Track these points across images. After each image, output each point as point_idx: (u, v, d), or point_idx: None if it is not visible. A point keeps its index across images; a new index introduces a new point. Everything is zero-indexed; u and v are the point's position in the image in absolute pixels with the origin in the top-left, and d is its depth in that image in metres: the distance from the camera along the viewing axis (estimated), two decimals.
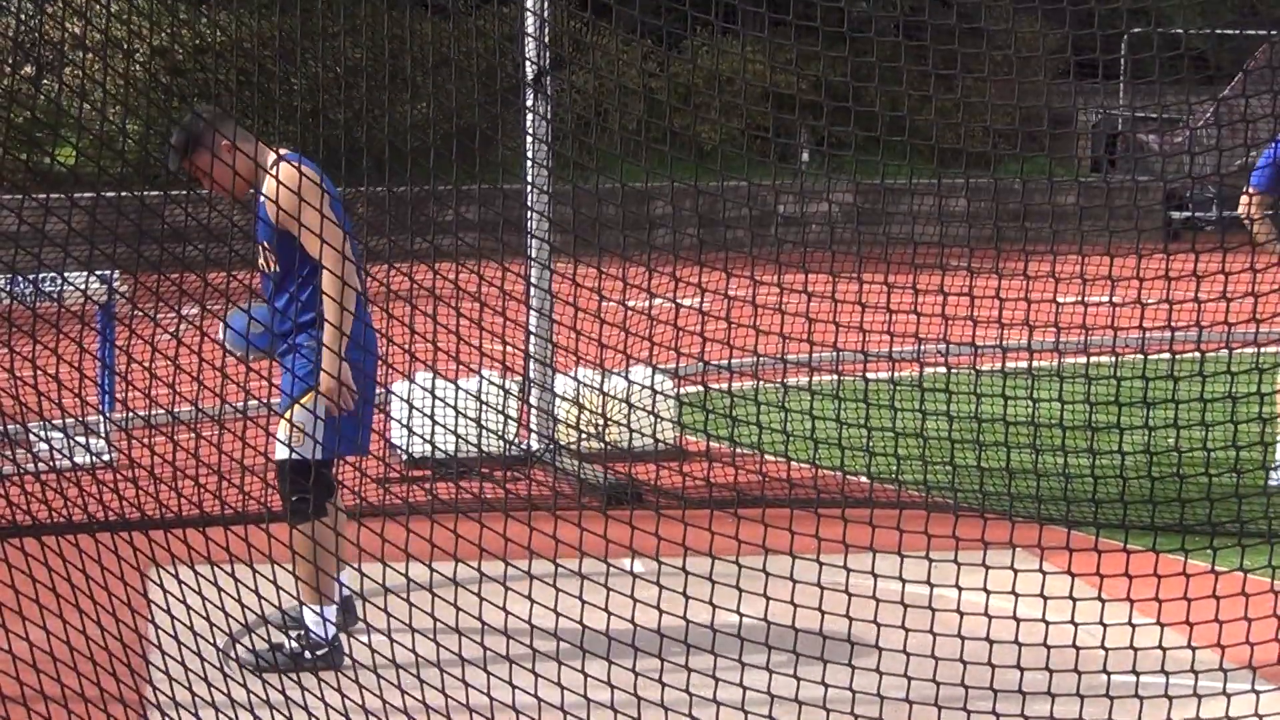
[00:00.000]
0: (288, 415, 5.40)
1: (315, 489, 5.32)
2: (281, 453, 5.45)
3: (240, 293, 5.89)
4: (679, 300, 5.27)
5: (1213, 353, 5.30)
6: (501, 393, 6.47)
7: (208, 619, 4.82)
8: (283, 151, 5.47)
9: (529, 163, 6.91)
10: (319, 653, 5.46)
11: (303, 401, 5.37)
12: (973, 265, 5.21)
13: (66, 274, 5.89)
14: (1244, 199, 8.00)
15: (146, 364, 5.38)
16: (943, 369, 5.35)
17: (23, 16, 6.39)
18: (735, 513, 4.64)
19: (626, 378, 6.52)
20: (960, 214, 5.62)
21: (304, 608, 5.54)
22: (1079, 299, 5.43)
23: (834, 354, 5.37)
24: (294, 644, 5.51)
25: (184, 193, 5.09)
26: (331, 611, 5.52)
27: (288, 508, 5.40)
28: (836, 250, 5.26)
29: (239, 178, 5.26)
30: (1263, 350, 5.42)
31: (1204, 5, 5.99)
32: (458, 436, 5.26)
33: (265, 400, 5.77)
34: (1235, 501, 5.32)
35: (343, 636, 5.53)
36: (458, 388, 5.24)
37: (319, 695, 4.72)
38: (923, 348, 5.35)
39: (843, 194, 7.46)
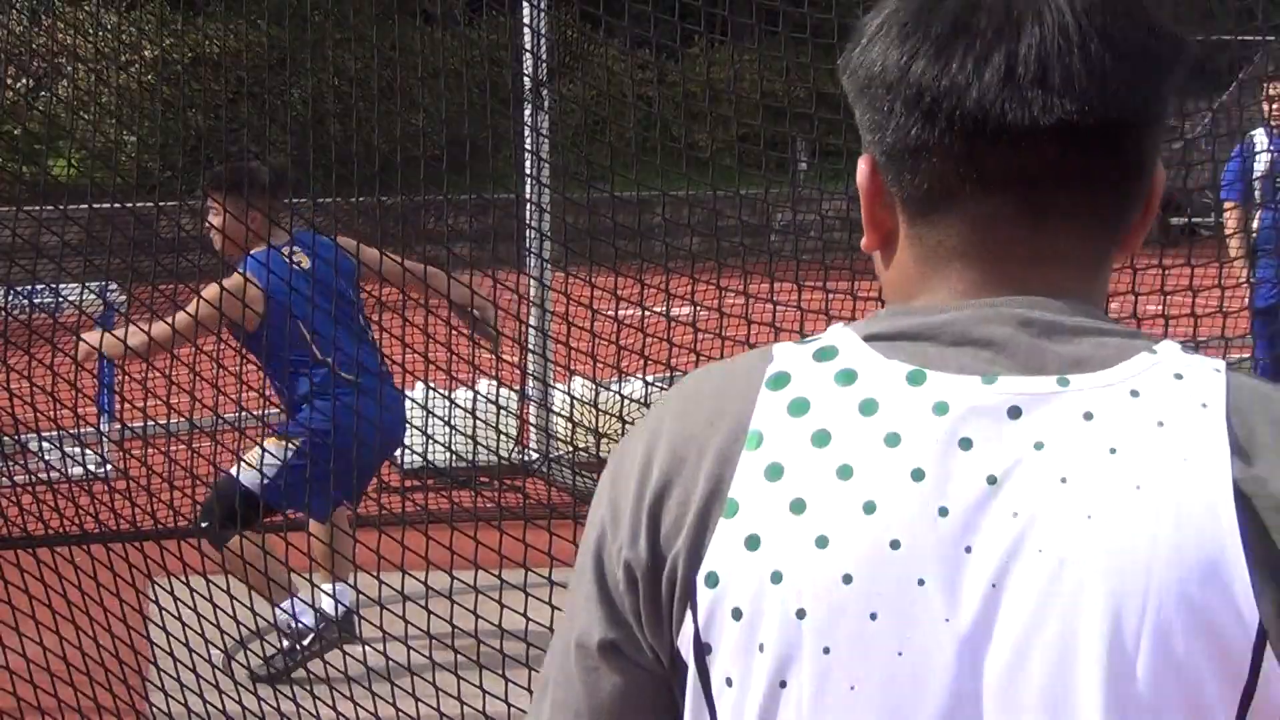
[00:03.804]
0: (266, 443, 5.42)
1: (228, 517, 5.29)
2: (239, 473, 5.41)
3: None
4: (680, 311, 5.26)
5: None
6: (500, 405, 6.46)
7: (201, 634, 4.81)
8: (277, 242, 5.49)
9: (527, 178, 6.89)
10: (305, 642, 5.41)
11: (278, 442, 5.40)
12: None
13: (66, 287, 5.88)
14: (1228, 214, 7.93)
15: (159, 372, 5.37)
16: None
17: (17, 30, 6.38)
18: None
19: (620, 393, 6.51)
20: None
21: (277, 610, 5.45)
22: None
23: None
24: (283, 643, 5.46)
25: (176, 203, 5.09)
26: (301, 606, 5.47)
27: (210, 528, 5.35)
28: (832, 260, 5.25)
29: (229, 241, 5.47)
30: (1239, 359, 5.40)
31: (1202, 10, 5.97)
32: (451, 450, 5.24)
33: (260, 413, 5.76)
34: None
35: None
36: (452, 402, 5.22)
37: (313, 711, 4.70)
38: None
39: (840, 202, 7.44)
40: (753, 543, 1.11)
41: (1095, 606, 1.07)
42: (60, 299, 5.67)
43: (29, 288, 5.72)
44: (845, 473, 1.11)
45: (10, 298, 5.53)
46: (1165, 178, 1.22)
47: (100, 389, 6.67)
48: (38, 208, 5.33)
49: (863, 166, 1.22)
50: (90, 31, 6.20)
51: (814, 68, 5.37)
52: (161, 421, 5.67)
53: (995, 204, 1.16)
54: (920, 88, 1.15)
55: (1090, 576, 1.07)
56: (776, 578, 1.11)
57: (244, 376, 5.38)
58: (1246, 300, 7.16)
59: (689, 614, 1.14)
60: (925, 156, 1.16)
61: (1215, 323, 5.44)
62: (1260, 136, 7.86)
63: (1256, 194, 7.73)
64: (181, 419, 5.52)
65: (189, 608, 4.85)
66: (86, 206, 5.43)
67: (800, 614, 1.10)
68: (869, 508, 1.10)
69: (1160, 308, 5.17)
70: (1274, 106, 7.81)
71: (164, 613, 4.90)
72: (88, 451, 5.67)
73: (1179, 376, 1.13)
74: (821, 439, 1.12)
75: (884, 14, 1.19)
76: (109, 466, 6.28)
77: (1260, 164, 7.65)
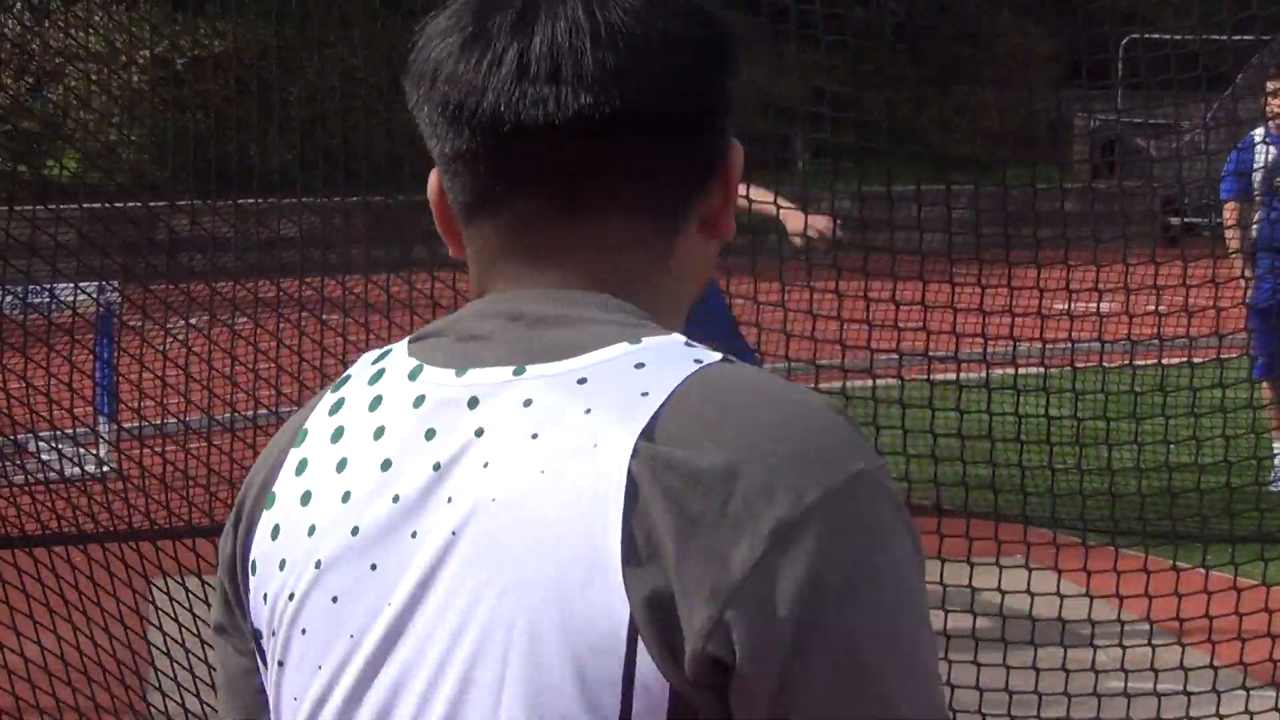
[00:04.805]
0: None
1: None
2: None
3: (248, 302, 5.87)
4: None
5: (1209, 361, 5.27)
6: None
7: (198, 635, 4.82)
8: None
9: None
10: None
11: None
12: (981, 275, 5.16)
13: (72, 285, 5.89)
14: (1226, 211, 7.91)
15: (153, 375, 5.38)
16: (953, 378, 5.29)
17: (18, 28, 6.39)
18: None
19: None
20: (958, 221, 5.59)
21: None
22: (1096, 307, 5.39)
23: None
24: None
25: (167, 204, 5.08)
26: None
27: None
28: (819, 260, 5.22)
29: None
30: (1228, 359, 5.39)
31: (1204, 8, 5.97)
32: None
33: (273, 409, 5.77)
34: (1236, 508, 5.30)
35: None
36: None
37: None
38: (931, 358, 5.31)
39: (842, 201, 7.44)
40: (275, 532, 1.18)
41: (487, 594, 1.06)
42: (55, 299, 5.68)
43: (24, 288, 5.73)
44: (341, 465, 1.16)
45: (7, 298, 5.54)
46: (741, 155, 1.21)
47: (97, 390, 6.69)
48: (30, 207, 5.33)
49: (431, 179, 1.23)
50: (89, 32, 6.20)
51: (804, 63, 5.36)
52: (158, 422, 5.68)
53: (528, 201, 1.17)
54: (445, 95, 1.16)
55: (488, 562, 1.07)
56: (282, 565, 1.17)
57: (235, 377, 5.39)
58: (1244, 298, 7.15)
59: (249, 599, 1.21)
60: (462, 161, 1.17)
61: (1210, 319, 5.44)
62: (1259, 134, 7.83)
63: (1255, 191, 7.72)
64: (179, 420, 5.53)
65: (185, 609, 4.85)
66: (78, 207, 5.43)
67: (290, 597, 1.16)
68: (345, 497, 1.14)
69: (1155, 306, 5.16)
70: (1275, 102, 7.78)
71: (161, 613, 4.91)
72: (86, 452, 5.69)
73: (640, 365, 1.09)
74: (337, 435, 1.17)
75: (428, 26, 1.20)
76: (107, 467, 6.29)
77: (1259, 161, 7.63)
